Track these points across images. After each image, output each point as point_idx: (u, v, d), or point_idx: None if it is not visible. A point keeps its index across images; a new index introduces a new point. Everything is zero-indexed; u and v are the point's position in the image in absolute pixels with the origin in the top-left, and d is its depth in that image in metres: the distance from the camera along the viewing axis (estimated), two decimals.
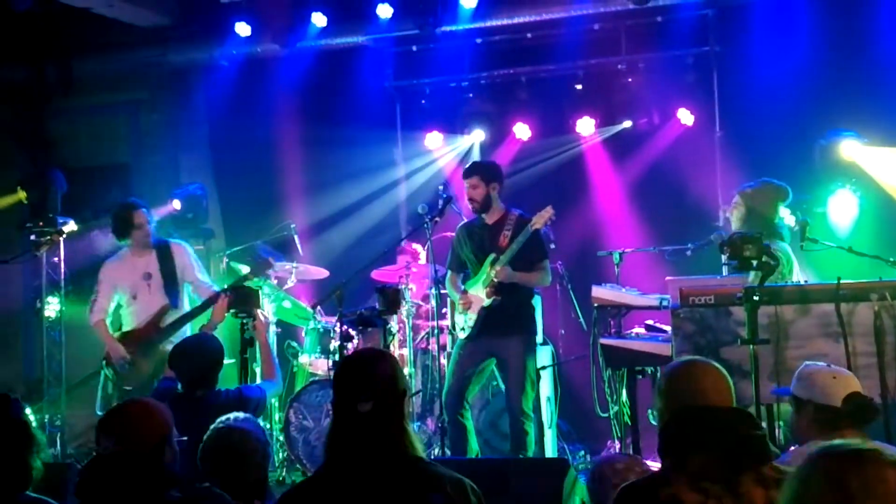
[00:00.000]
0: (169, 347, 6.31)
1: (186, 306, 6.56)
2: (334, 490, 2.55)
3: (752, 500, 2.32)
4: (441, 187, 6.72)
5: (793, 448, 3.46)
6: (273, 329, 7.15)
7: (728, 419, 2.46)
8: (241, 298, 5.10)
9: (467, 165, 6.31)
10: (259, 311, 5.23)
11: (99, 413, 6.43)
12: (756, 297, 4.47)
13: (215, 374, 4.50)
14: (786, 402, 3.69)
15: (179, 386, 4.53)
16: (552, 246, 6.57)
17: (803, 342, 4.69)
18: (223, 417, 3.53)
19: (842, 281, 4.67)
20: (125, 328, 6.58)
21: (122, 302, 6.61)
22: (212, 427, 3.45)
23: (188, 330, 6.49)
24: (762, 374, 4.40)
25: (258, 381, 5.57)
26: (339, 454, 2.60)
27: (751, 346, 4.40)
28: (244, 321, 5.14)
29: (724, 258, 4.89)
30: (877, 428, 3.57)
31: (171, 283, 6.54)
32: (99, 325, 6.54)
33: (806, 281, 5.10)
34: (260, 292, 5.26)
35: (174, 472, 2.98)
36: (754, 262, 4.55)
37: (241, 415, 3.55)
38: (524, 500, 4.04)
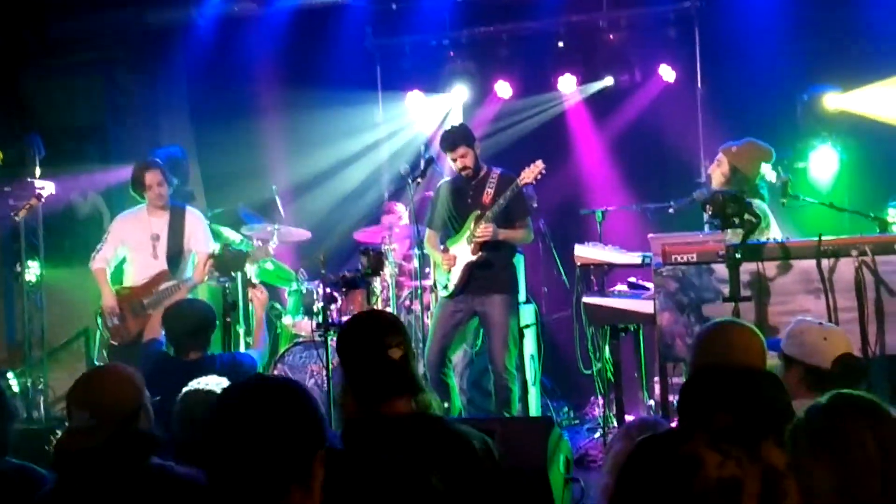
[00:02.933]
0: (157, 311, 6.34)
1: (188, 275, 6.52)
2: (368, 440, 2.52)
3: (771, 462, 2.31)
4: (423, 147, 6.67)
5: None
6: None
7: (754, 381, 2.42)
8: (225, 262, 5.04)
9: (445, 138, 6.08)
10: (259, 285, 5.18)
11: (96, 362, 6.46)
12: (738, 255, 4.49)
13: (207, 335, 4.50)
14: (772, 358, 3.70)
15: (172, 350, 4.52)
16: (534, 205, 6.55)
17: (785, 298, 4.73)
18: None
19: (823, 237, 4.69)
20: (125, 283, 6.57)
21: (126, 257, 6.60)
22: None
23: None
24: None
25: (241, 345, 5.56)
26: (370, 401, 2.57)
27: (733, 303, 4.43)
28: (226, 285, 5.11)
29: (705, 216, 4.90)
30: None
31: (175, 249, 6.49)
32: (98, 272, 6.52)
33: (787, 238, 5.12)
34: (246, 258, 5.17)
35: (152, 436, 2.90)
36: (736, 220, 4.56)
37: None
38: (509, 458, 4.03)
